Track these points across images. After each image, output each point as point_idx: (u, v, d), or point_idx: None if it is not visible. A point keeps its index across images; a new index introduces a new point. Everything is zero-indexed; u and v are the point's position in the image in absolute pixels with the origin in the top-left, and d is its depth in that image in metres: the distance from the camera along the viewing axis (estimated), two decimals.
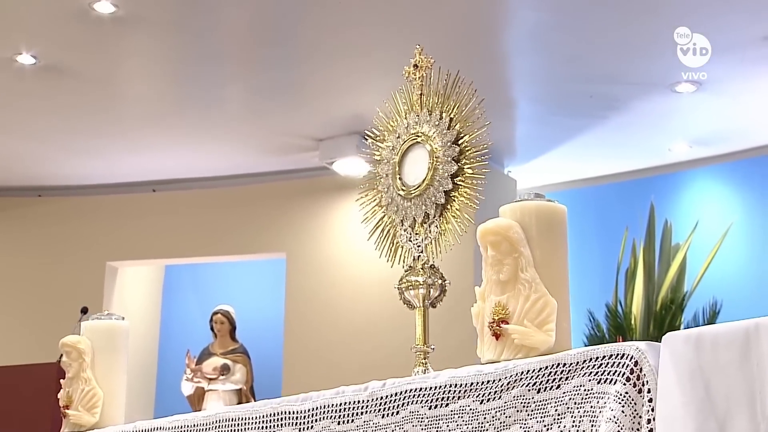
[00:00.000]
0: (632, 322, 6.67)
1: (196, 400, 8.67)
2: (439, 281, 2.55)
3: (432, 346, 2.56)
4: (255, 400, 8.62)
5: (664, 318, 6.62)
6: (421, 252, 2.59)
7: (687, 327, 6.85)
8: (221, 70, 6.88)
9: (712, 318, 6.82)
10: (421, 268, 2.56)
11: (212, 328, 8.85)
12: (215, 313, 8.85)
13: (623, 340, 6.37)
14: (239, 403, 8.55)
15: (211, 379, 8.58)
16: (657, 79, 6.55)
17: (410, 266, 2.59)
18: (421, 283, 2.55)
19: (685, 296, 6.85)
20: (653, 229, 7.11)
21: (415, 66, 2.76)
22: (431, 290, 2.55)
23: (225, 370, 8.59)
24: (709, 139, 7.57)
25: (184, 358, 8.56)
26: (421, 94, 2.71)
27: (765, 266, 7.41)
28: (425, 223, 2.58)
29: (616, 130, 7.43)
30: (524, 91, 7.11)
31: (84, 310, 6.42)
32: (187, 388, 8.57)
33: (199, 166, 8.66)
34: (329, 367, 8.18)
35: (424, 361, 2.55)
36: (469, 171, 2.51)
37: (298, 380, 8.30)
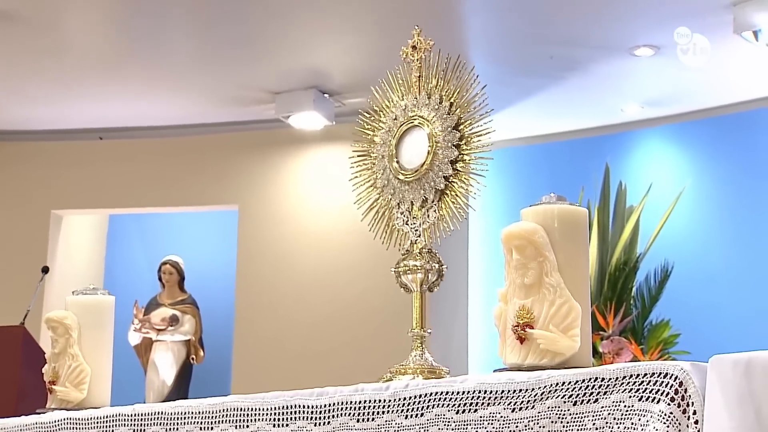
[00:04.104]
0: None
1: (144, 350, 8.64)
2: (437, 266, 2.56)
3: (429, 330, 2.57)
4: (204, 352, 8.62)
5: (617, 279, 6.73)
6: (419, 236, 2.58)
7: (639, 288, 6.99)
8: (174, 20, 6.75)
9: (663, 279, 6.96)
10: (419, 253, 2.56)
11: (160, 279, 8.79)
12: (164, 263, 8.78)
13: None
14: (188, 353, 8.54)
15: (159, 330, 8.54)
16: (617, 42, 6.60)
17: (407, 250, 2.58)
18: (419, 267, 2.54)
19: (638, 258, 6.97)
20: (608, 190, 7.20)
21: (414, 47, 2.70)
22: (429, 275, 2.56)
23: (174, 320, 8.56)
24: (660, 100, 7.66)
25: (130, 308, 8.49)
26: (419, 77, 2.67)
27: (713, 227, 7.56)
28: (423, 207, 2.57)
29: (571, 91, 7.48)
30: (480, 51, 7.10)
31: (45, 270, 6.31)
32: (135, 338, 8.53)
33: (148, 115, 8.50)
34: (281, 318, 8.21)
35: (420, 345, 2.55)
36: (470, 158, 2.51)
37: (250, 332, 8.31)
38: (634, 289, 6.92)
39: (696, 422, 1.44)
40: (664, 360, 5.63)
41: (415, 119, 2.61)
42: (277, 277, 8.29)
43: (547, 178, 8.16)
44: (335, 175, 8.19)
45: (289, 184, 8.47)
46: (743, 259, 7.29)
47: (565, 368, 1.81)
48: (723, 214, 7.53)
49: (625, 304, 6.65)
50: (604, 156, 7.64)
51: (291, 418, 2.05)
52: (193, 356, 8.54)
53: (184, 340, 8.57)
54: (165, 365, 8.50)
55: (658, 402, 1.49)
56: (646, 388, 1.53)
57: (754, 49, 6.29)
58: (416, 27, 2.76)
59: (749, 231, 7.37)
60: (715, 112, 7.65)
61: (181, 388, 8.49)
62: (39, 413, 2.75)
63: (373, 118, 2.73)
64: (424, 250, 2.56)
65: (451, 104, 2.57)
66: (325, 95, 7.64)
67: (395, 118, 2.66)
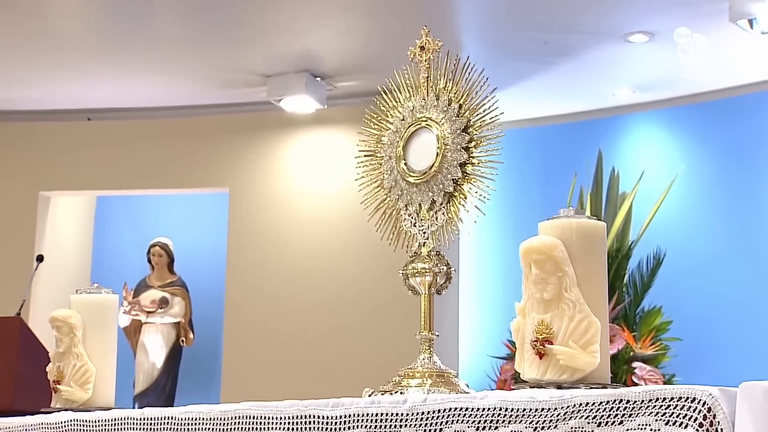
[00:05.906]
0: None
1: (133, 332, 8.63)
2: (445, 268, 2.55)
3: (437, 333, 2.56)
4: (193, 334, 8.61)
5: (610, 266, 6.69)
6: (427, 239, 2.57)
7: (631, 275, 7.00)
8: (164, 1, 6.68)
9: (656, 266, 6.97)
10: (427, 255, 2.55)
11: (149, 261, 8.76)
12: (153, 245, 8.75)
13: None
14: (177, 336, 8.53)
15: (149, 312, 8.53)
16: (612, 28, 6.59)
17: (415, 252, 2.57)
18: (428, 270, 2.54)
19: (631, 245, 6.97)
20: (600, 176, 7.19)
21: (422, 48, 2.68)
22: (437, 278, 2.55)
23: (164, 303, 8.54)
24: (654, 86, 7.66)
25: (119, 290, 8.46)
26: (427, 77, 2.65)
27: (705, 213, 7.55)
28: (431, 209, 2.56)
29: (565, 77, 7.46)
30: (474, 35, 7.07)
31: (39, 258, 6.25)
32: (124, 320, 8.51)
33: (138, 96, 8.44)
34: (272, 301, 8.20)
35: (429, 348, 2.55)
36: (480, 161, 2.50)
37: (240, 314, 8.30)
38: (626, 276, 6.93)
39: None
40: (657, 347, 5.62)
41: (423, 121, 2.59)
42: (267, 260, 8.28)
43: (539, 162, 8.15)
44: (327, 158, 8.18)
45: (280, 167, 8.44)
46: (736, 245, 7.29)
47: (585, 384, 1.81)
48: (715, 200, 7.53)
49: (618, 291, 6.66)
50: (597, 140, 7.62)
51: (305, 428, 2.04)
52: (183, 338, 8.53)
53: (173, 323, 8.56)
54: (155, 347, 8.49)
55: (685, 427, 1.49)
56: (672, 413, 1.52)
57: (747, 35, 6.29)
58: (425, 27, 2.74)
59: (742, 217, 7.36)
60: (708, 96, 7.64)
61: (170, 371, 8.49)
62: (44, 413, 2.74)
63: (380, 117, 2.71)
64: (432, 252, 2.55)
65: (460, 106, 2.56)
66: (317, 78, 7.61)
67: (403, 119, 2.64)
